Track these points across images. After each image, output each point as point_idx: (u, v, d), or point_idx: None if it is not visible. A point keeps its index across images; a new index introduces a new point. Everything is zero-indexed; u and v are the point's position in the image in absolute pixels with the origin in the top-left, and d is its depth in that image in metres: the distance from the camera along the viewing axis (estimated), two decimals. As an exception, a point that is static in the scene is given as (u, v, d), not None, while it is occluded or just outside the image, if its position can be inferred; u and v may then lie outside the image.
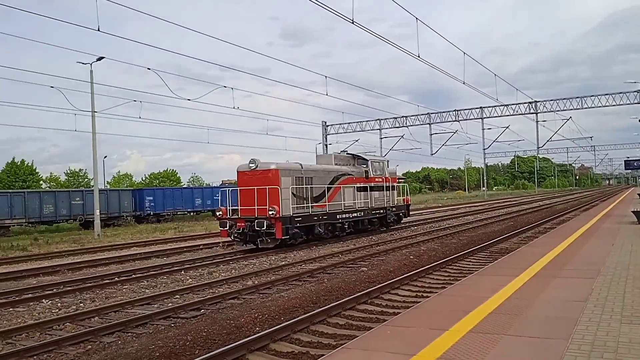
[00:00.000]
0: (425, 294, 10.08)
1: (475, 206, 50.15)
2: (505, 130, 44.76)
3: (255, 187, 17.96)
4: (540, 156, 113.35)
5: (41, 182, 61.60)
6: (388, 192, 24.89)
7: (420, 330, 5.80)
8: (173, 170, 76.07)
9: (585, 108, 34.85)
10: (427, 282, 11.63)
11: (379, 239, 21.16)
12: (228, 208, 19.02)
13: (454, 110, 39.01)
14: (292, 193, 18.69)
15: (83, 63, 27.98)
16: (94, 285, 12.63)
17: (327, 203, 20.52)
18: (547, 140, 40.94)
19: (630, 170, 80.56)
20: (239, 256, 16.68)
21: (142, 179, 75.38)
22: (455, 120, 39.08)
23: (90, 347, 7.55)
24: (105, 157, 61.25)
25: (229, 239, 18.99)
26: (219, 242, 20.57)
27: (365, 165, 23.66)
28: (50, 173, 69.07)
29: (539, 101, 36.43)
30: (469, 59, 25.70)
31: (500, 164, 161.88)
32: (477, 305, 6.78)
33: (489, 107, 37.98)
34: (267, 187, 17.77)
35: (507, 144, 64.10)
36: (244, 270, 14.21)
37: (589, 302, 6.78)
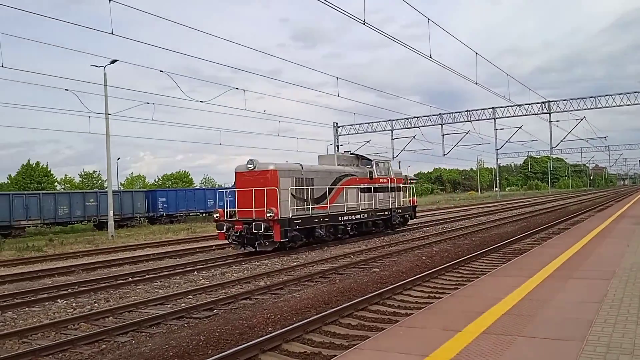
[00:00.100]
0: (437, 295, 10.04)
1: (487, 207, 49.84)
2: (518, 131, 44.42)
3: (253, 189, 17.56)
4: (554, 156, 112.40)
5: (56, 183, 62.35)
6: (393, 193, 24.32)
7: (433, 331, 5.78)
8: (185, 171, 76.55)
9: (600, 108, 34.46)
10: (440, 283, 11.59)
11: (390, 240, 21.10)
12: (225, 210, 18.57)
13: (466, 111, 38.78)
14: (292, 194, 18.24)
15: (97, 66, 28.28)
16: (108, 285, 12.75)
17: (328, 205, 20.06)
18: (561, 141, 40.56)
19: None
20: (251, 257, 16.71)
21: (154, 180, 75.95)
22: (468, 121, 38.83)
23: (104, 346, 7.63)
24: (118, 158, 62.02)
25: (226, 241, 18.65)
26: (212, 246, 20.37)
27: (369, 166, 23.19)
28: (65, 175, 70.08)
29: (552, 101, 36.09)
30: (481, 59, 25.58)
31: (513, 164, 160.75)
32: (491, 307, 6.74)
33: (502, 107, 37.70)
34: (265, 188, 17.34)
35: (520, 144, 63.53)
36: (256, 271, 14.26)
37: (604, 304, 6.70)
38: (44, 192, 39.18)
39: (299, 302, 9.74)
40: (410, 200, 26.18)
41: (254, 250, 17.62)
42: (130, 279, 13.72)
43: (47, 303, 10.98)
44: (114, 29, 15.89)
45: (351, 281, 11.88)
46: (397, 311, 9.03)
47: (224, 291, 11.60)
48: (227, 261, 16.29)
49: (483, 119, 38.93)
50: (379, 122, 41.69)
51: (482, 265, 13.71)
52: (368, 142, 42.94)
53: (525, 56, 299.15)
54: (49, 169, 60.79)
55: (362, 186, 22.29)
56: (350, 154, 24.26)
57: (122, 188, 61.89)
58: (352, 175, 21.94)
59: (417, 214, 40.17)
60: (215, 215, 18.80)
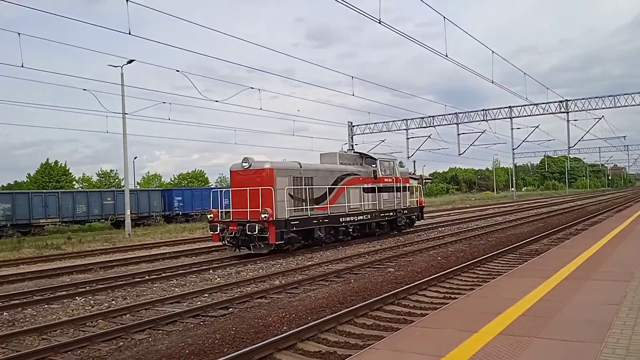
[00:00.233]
0: (453, 296, 9.99)
1: (504, 207, 49.41)
2: (534, 130, 43.88)
3: (248, 188, 16.88)
4: (571, 156, 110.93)
5: (74, 182, 63.20)
6: (399, 193, 23.42)
7: (449, 332, 5.76)
8: (201, 170, 77.14)
9: (618, 107, 33.90)
10: (455, 283, 11.52)
11: (405, 240, 21.03)
12: (219, 210, 18.02)
13: (482, 110, 38.42)
14: (289, 194, 17.47)
15: (114, 66, 28.62)
16: (126, 283, 12.89)
17: (328, 205, 19.26)
18: (579, 140, 39.96)
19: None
20: (266, 256, 16.76)
21: (170, 179, 76.69)
22: (483, 120, 38.45)
23: (122, 343, 7.72)
24: (135, 158, 62.63)
25: (220, 243, 18.03)
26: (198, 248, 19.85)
27: (374, 165, 22.36)
28: (83, 174, 71.06)
29: (569, 100, 35.61)
30: (497, 57, 25.39)
31: (529, 164, 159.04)
32: (507, 307, 6.69)
33: (518, 106, 37.30)
34: (260, 188, 16.67)
35: (537, 143, 62.74)
36: (271, 270, 14.31)
37: (624, 305, 6.61)
38: (62, 190, 39.73)
39: (314, 302, 9.76)
40: (417, 201, 25.35)
41: (249, 252, 17.01)
42: (147, 277, 13.85)
43: (65, 300, 11.14)
44: (131, 29, 16.03)
45: (366, 281, 11.87)
46: (412, 311, 9.00)
47: (239, 290, 11.66)
48: (241, 260, 16.37)
49: (499, 118, 38.53)
50: (394, 121, 41.51)
51: (498, 266, 13.60)
52: (383, 141, 42.83)
53: (542, 54, 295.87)
54: (67, 168, 61.69)
55: (365, 186, 21.51)
56: (354, 152, 23.32)
57: (138, 187, 62.54)
58: (355, 174, 21.18)
59: (433, 214, 40.19)
60: (209, 216, 18.15)
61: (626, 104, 33.59)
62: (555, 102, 35.88)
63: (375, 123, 41.99)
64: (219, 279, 13.32)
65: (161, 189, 49.78)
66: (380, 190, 22.24)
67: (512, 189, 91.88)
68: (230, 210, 17.67)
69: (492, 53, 24.32)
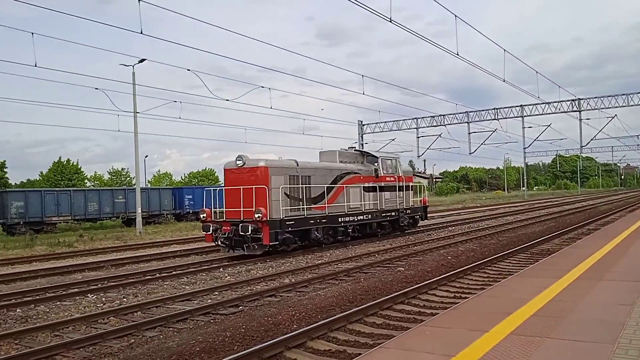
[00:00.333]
0: (463, 295, 9.95)
1: (515, 206, 49.09)
2: (546, 129, 43.67)
3: (241, 187, 16.34)
4: (584, 155, 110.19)
5: (86, 180, 63.72)
6: (401, 192, 22.76)
7: (460, 331, 5.73)
8: (211, 169, 77.34)
9: (632, 105, 33.65)
10: (466, 283, 11.47)
11: (415, 239, 20.97)
12: (212, 210, 17.40)
13: (493, 109, 38.32)
14: (285, 193, 16.91)
15: (126, 65, 28.80)
16: (137, 281, 12.98)
17: (326, 205, 18.61)
18: (591, 139, 39.78)
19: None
20: (276, 255, 16.79)
21: (181, 178, 76.98)
22: (495, 119, 38.37)
23: (133, 340, 7.78)
24: (146, 156, 62.88)
25: (213, 244, 17.45)
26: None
27: (375, 163, 21.69)
28: (95, 172, 71.43)
29: (582, 98, 35.38)
30: (509, 55, 25.18)
31: (541, 163, 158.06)
32: (518, 307, 6.65)
33: (530, 105, 37.12)
34: (253, 186, 16.12)
35: (549, 142, 62.53)
36: (280, 269, 14.34)
37: (636, 306, 6.54)
38: (74, 189, 40.11)
39: (324, 300, 9.77)
40: (421, 200, 24.79)
41: (243, 253, 16.47)
42: (157, 274, 13.94)
43: (77, 297, 11.25)
44: (142, 28, 16.12)
45: (376, 280, 11.86)
46: (423, 311, 8.98)
47: (249, 288, 11.70)
48: (252, 259, 16.41)
49: (510, 117, 38.41)
50: (404, 120, 41.48)
51: (509, 266, 13.52)
52: (393, 140, 42.78)
53: (554, 53, 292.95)
54: (79, 167, 62.20)
55: (366, 185, 20.89)
56: (355, 150, 22.75)
57: (149, 185, 62.92)
58: (356, 173, 20.57)
59: (443, 213, 40.02)
60: (201, 216, 17.58)
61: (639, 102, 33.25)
62: (568, 100, 35.65)
63: (386, 122, 41.98)
64: (229, 277, 13.37)
65: (172, 187, 50.05)
66: (382, 189, 21.69)
67: (524, 188, 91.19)
68: (224, 209, 17.12)
69: (503, 51, 24.21)
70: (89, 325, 8.80)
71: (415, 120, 40.98)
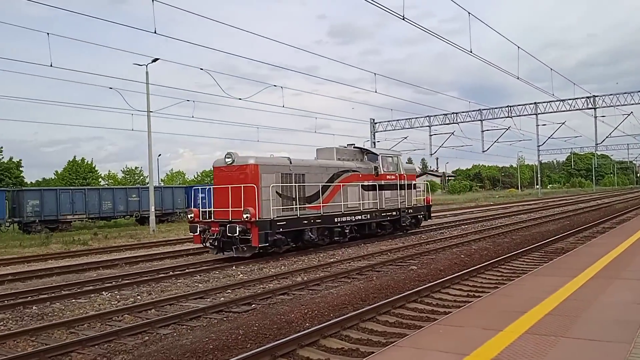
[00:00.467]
0: (477, 294, 9.89)
1: (528, 205, 48.70)
2: (561, 127, 43.16)
3: (230, 186, 15.58)
4: (599, 153, 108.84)
5: (100, 179, 64.30)
6: (403, 191, 21.87)
7: (473, 330, 5.70)
8: (223, 168, 77.46)
9: (648, 102, 33.12)
10: (479, 281, 11.40)
11: (428, 238, 20.88)
12: (200, 210, 16.61)
13: (507, 106, 37.93)
14: (277, 192, 16.15)
15: (139, 64, 29.01)
16: (150, 279, 13.08)
17: (321, 204, 17.79)
18: (607, 137, 39.37)
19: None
20: (288, 253, 16.80)
21: (194, 176, 77.38)
22: (508, 117, 37.96)
23: (147, 338, 7.83)
24: (159, 155, 63.35)
25: (200, 245, 16.79)
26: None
27: (375, 161, 20.92)
28: (109, 171, 72.19)
29: (597, 96, 34.90)
30: (523, 53, 24.96)
31: (555, 161, 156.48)
32: (533, 306, 6.59)
33: (544, 102, 36.70)
34: (242, 185, 15.33)
35: (563, 140, 61.55)
36: (293, 267, 14.36)
37: (653, 306, 6.46)
38: (89, 187, 40.53)
39: (336, 299, 9.77)
40: (424, 200, 23.98)
41: (235, 255, 15.65)
42: (171, 272, 14.04)
43: (92, 295, 11.35)
44: (156, 28, 16.22)
45: (388, 278, 11.83)
46: (436, 309, 8.95)
47: (262, 286, 11.74)
48: (264, 257, 16.45)
49: (524, 115, 37.99)
50: (416, 118, 41.24)
51: (522, 264, 13.41)
52: (405, 138, 42.58)
53: (569, 49, 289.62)
54: (93, 165, 62.78)
55: (365, 183, 20.04)
56: (354, 147, 21.83)
57: (162, 184, 63.36)
58: (354, 171, 19.72)
59: (455, 212, 39.80)
60: (189, 216, 16.72)
61: (656, 99, 32.75)
62: (583, 97, 35.22)
63: (398, 120, 41.78)
64: (241, 275, 13.42)
65: (185, 185, 50.32)
66: (382, 188, 20.85)
67: (537, 186, 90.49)
68: (212, 209, 16.38)
69: (517, 48, 24.01)
70: (103, 323, 8.89)
71: (427, 118, 40.73)
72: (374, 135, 42.84)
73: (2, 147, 52.76)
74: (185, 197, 40.54)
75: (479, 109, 39.08)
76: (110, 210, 35.79)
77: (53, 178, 61.80)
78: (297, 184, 16.97)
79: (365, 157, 21.46)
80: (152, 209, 30.28)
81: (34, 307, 10.24)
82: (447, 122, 40.16)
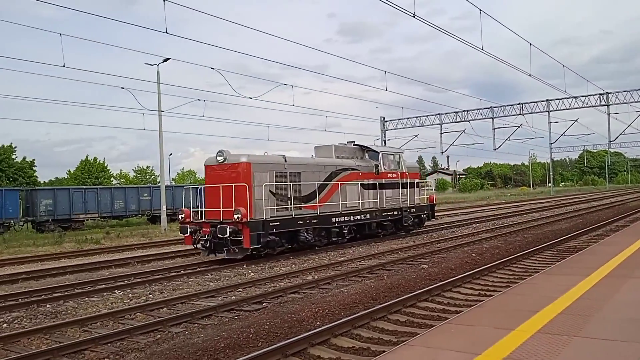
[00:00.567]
0: (488, 293, 9.83)
1: (540, 203, 48.33)
2: (573, 124, 42.79)
3: (221, 185, 15.12)
4: (612, 150, 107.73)
5: (112, 178, 64.78)
6: (405, 190, 21.24)
7: (485, 329, 5.67)
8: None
9: (663, 99, 32.73)
10: (491, 280, 11.34)
11: (439, 237, 20.79)
12: (192, 210, 16.18)
13: (519, 104, 37.64)
14: (271, 192, 15.68)
15: (150, 64, 29.17)
16: (162, 277, 13.16)
17: (318, 204, 17.20)
18: (620, 134, 38.80)
19: None
20: (299, 253, 16.77)
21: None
22: (520, 114, 37.69)
23: (159, 336, 7.89)
24: (170, 154, 63.67)
25: (192, 247, 16.23)
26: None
27: (376, 159, 20.31)
28: (120, 170, 72.68)
29: (610, 92, 34.54)
30: (535, 49, 24.72)
31: (567, 159, 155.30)
32: (545, 305, 6.54)
33: (556, 99, 36.40)
34: (233, 184, 14.83)
35: (576, 137, 61.06)
36: (303, 266, 14.38)
37: (668, 305, 6.39)
38: (101, 187, 40.84)
39: (347, 297, 9.77)
40: (427, 199, 23.22)
41: (227, 257, 15.12)
42: (182, 271, 14.11)
43: (105, 293, 11.45)
44: (167, 28, 16.29)
45: (399, 277, 11.81)
46: (447, 308, 8.91)
47: (272, 285, 11.77)
48: (275, 256, 16.48)
49: (536, 112, 37.71)
50: (427, 115, 41.08)
51: (535, 263, 13.31)
52: (416, 136, 42.41)
53: (581, 46, 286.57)
54: (105, 165, 63.26)
55: (365, 182, 19.41)
56: (354, 144, 21.12)
57: (173, 183, 63.70)
58: (353, 169, 19.12)
59: (467, 210, 39.61)
60: (180, 217, 16.23)
61: (671, 96, 32.35)
62: (596, 94, 34.89)
63: (409, 118, 41.66)
64: (252, 273, 13.46)
65: (196, 185, 50.58)
66: (383, 186, 20.22)
67: (550, 184, 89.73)
68: (203, 209, 16.00)
69: (529, 45, 23.81)
70: (116, 321, 8.96)
71: (438, 116, 40.55)
72: (385, 134, 42.74)
73: (15, 147, 53.32)
74: (198, 196, 40.73)
75: (490, 107, 38.84)
76: (122, 209, 36.05)
77: (66, 177, 62.34)
78: (292, 183, 16.45)
79: (366, 155, 20.87)
80: (164, 207, 30.46)
81: (47, 306, 10.35)
82: (458, 119, 39.97)
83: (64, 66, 19.71)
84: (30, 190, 34.12)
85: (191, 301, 10.29)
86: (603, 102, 34.52)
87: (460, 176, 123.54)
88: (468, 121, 39.76)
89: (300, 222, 16.33)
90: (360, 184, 19.27)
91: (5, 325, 8.97)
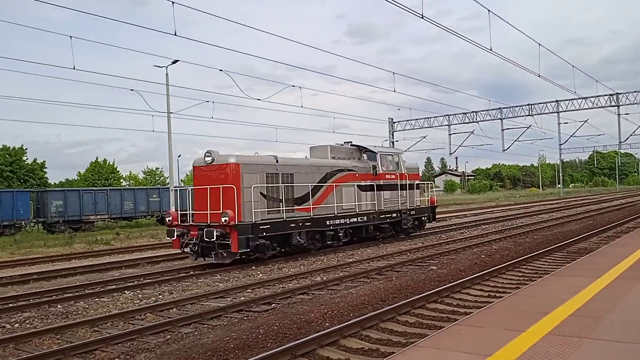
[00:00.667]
0: (498, 294, 9.79)
1: (550, 204, 48.04)
2: (583, 125, 42.43)
3: (208, 187, 14.58)
4: (622, 151, 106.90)
5: (121, 180, 65.22)
6: (404, 191, 20.70)
7: (495, 331, 5.65)
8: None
9: (674, 99, 32.42)
10: (500, 282, 11.29)
11: (448, 238, 20.73)
12: (179, 212, 15.88)
13: (528, 105, 37.45)
14: (261, 193, 15.14)
15: (159, 66, 29.35)
16: (171, 278, 13.22)
17: (311, 206, 16.67)
18: (630, 135, 38.45)
19: None
20: (307, 254, 16.77)
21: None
22: (529, 115, 37.47)
23: (169, 336, 7.92)
24: (179, 156, 63.99)
25: (179, 250, 15.73)
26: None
27: (374, 159, 19.77)
28: (130, 171, 73.14)
29: (620, 93, 34.28)
30: (544, 50, 24.59)
31: (577, 160, 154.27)
32: (555, 307, 6.51)
33: (566, 100, 36.16)
34: (221, 186, 14.37)
35: (586, 138, 60.43)
36: (312, 267, 14.39)
37: (681, 307, 6.33)
38: (111, 188, 41.14)
39: (356, 299, 9.77)
40: (428, 200, 22.81)
41: (215, 262, 14.57)
42: (191, 272, 14.16)
43: (115, 294, 11.52)
44: (176, 30, 16.40)
45: (408, 279, 11.79)
46: (456, 310, 8.88)
47: (281, 286, 11.79)
48: (284, 257, 16.50)
49: (545, 113, 37.47)
50: (435, 117, 40.97)
51: (544, 265, 13.24)
52: (424, 137, 42.28)
53: (591, 46, 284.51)
54: (115, 166, 63.73)
55: (362, 183, 18.88)
56: (352, 145, 20.45)
57: (182, 184, 63.95)
58: (350, 170, 18.57)
59: (476, 212, 39.43)
60: (167, 219, 15.77)
61: (682, 96, 32.05)
62: (606, 95, 34.63)
63: (417, 119, 41.55)
64: (261, 274, 13.49)
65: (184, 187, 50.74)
66: (381, 188, 19.63)
67: (559, 185, 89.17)
68: (191, 212, 15.51)
69: (538, 46, 23.69)
70: (126, 321, 9.01)
71: (447, 117, 40.41)
72: (393, 135, 42.68)
73: (26, 149, 53.85)
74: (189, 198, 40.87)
75: (499, 108, 38.65)
76: (132, 210, 36.28)
77: (76, 179, 62.87)
78: (284, 185, 15.91)
79: (364, 155, 20.29)
80: (173, 209, 30.58)
81: (58, 306, 10.43)
82: (467, 121, 39.81)
83: (74, 68, 19.89)
84: (41, 192, 34.42)
85: (200, 302, 10.33)
86: (613, 103, 34.26)
87: (469, 177, 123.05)
88: (477, 122, 39.59)
89: (293, 225, 15.79)
90: (357, 185, 18.75)
91: (17, 325, 9.06)
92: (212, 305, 9.95)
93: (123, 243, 24.10)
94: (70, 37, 19.69)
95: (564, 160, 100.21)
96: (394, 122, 42.79)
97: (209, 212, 14.42)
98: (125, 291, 11.75)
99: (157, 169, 72.83)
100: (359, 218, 18.47)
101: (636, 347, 4.90)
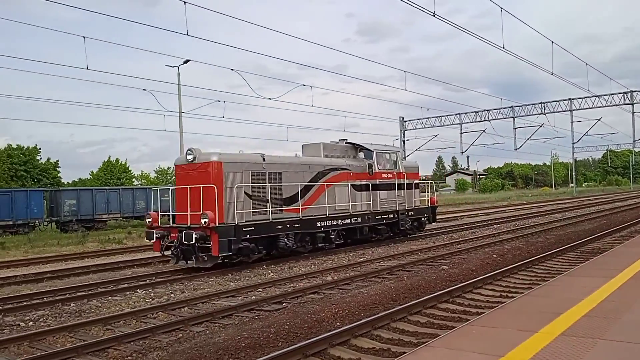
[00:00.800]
0: (510, 295, 9.73)
1: (563, 203, 47.63)
2: (596, 123, 41.98)
3: (189, 186, 13.91)
4: (637, 150, 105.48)
5: (133, 179, 65.63)
6: (402, 191, 19.90)
7: (508, 331, 5.62)
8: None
9: (689, 97, 32.01)
10: (512, 282, 11.22)
11: (459, 237, 20.62)
12: (160, 214, 15.11)
13: (540, 103, 37.18)
14: (246, 193, 14.41)
15: (171, 66, 29.54)
16: (183, 277, 13.29)
17: (301, 207, 15.89)
18: (645, 133, 37.98)
19: None
20: (318, 252, 16.79)
21: (224, 176, 78.10)
22: (541, 113, 37.21)
23: (181, 335, 7.97)
24: (190, 155, 63.99)
25: (160, 254, 15.16)
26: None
27: (370, 158, 19.02)
28: (142, 171, 73.56)
29: (635, 91, 33.92)
30: (557, 47, 24.41)
31: (590, 158, 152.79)
32: (569, 308, 6.45)
33: (579, 98, 35.85)
34: (201, 185, 13.64)
35: (599, 137, 59.89)
36: (323, 266, 14.39)
37: (697, 308, 6.25)
38: (123, 187, 41.39)
39: (367, 298, 9.76)
40: (428, 200, 22.01)
41: (196, 265, 13.87)
42: (203, 271, 14.18)
43: (127, 293, 11.60)
44: (188, 29, 16.47)
45: (419, 278, 11.75)
46: (468, 310, 8.84)
47: (292, 285, 11.80)
48: (295, 257, 16.52)
49: (558, 111, 37.20)
50: (447, 115, 40.80)
51: (557, 265, 13.13)
52: (435, 136, 42.12)
53: (604, 44, 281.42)
54: (127, 166, 64.14)
55: (356, 183, 18.13)
56: (346, 142, 19.59)
57: (193, 184, 64.14)
58: (344, 169, 17.81)
59: (487, 211, 39.18)
60: (147, 221, 15.14)
61: (698, 93, 31.62)
62: (620, 93, 34.30)
63: (428, 118, 41.42)
64: (272, 274, 13.52)
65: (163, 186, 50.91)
66: (377, 187, 18.88)
67: (572, 184, 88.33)
68: (172, 213, 15.02)
69: (551, 43, 23.52)
70: (138, 320, 9.07)
71: (458, 115, 40.22)
72: (404, 134, 42.56)
73: (40, 148, 54.42)
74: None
75: (511, 106, 38.44)
76: (144, 209, 36.41)
77: (89, 178, 63.39)
78: (271, 184, 15.16)
79: (359, 153, 19.41)
80: (152, 210, 30.70)
81: (72, 304, 10.53)
82: (478, 119, 39.61)
83: (87, 68, 20.09)
84: (55, 191, 34.76)
85: (212, 301, 10.37)
86: (627, 101, 33.91)
87: (481, 176, 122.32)
88: (488, 121, 39.40)
89: (280, 226, 15.00)
90: (352, 184, 17.97)
91: (31, 323, 9.16)
92: (224, 304, 9.99)
93: (135, 242, 24.25)
94: (84, 37, 19.92)
95: (577, 159, 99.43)
96: (405, 121, 42.67)
97: (189, 213, 13.77)
98: (138, 290, 11.83)
99: (168, 168, 73.21)
100: (352, 219, 17.71)
101: (651, 349, 4.84)
